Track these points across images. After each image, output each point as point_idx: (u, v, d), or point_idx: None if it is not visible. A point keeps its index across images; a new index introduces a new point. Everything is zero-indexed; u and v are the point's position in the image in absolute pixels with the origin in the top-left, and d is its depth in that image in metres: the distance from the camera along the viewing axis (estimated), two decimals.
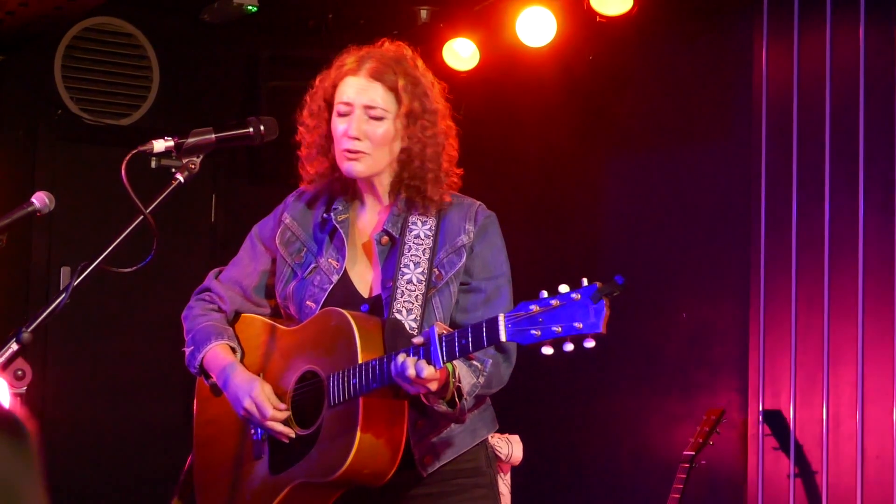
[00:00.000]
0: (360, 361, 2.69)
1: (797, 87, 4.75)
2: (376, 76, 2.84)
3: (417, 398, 2.69)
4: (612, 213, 5.57)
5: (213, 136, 2.72)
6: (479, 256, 2.88)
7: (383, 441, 2.70)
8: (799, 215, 4.71)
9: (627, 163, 5.53)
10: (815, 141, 4.67)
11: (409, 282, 2.81)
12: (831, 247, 4.61)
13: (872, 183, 4.51)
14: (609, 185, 5.60)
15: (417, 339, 2.60)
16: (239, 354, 2.97)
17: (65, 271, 5.70)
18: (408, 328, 2.76)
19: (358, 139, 2.83)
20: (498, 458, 3.66)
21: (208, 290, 3.05)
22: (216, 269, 3.10)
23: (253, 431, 2.92)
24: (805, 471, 4.60)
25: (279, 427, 2.81)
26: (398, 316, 2.78)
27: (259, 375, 2.91)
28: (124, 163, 2.57)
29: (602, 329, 2.39)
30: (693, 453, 4.42)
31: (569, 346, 2.42)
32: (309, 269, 2.92)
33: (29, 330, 2.46)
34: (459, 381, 2.66)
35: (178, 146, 2.68)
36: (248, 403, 2.83)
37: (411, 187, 2.88)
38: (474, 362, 2.71)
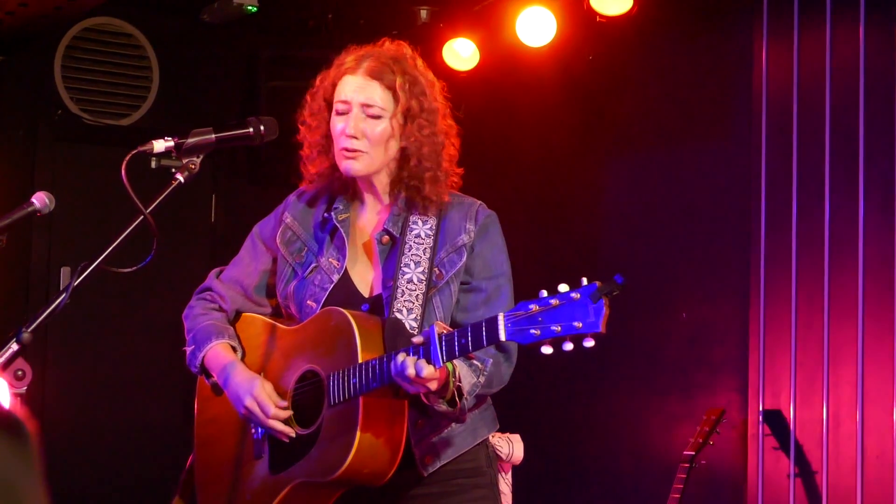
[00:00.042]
0: (360, 361, 2.69)
1: (797, 87, 4.75)
2: (374, 75, 2.85)
3: (418, 398, 2.69)
4: (612, 213, 5.57)
5: (213, 136, 2.72)
6: (480, 256, 2.88)
7: (383, 441, 2.70)
8: (799, 215, 4.71)
9: (627, 163, 5.53)
10: (815, 141, 4.67)
11: (410, 281, 2.81)
12: (831, 247, 4.61)
13: (872, 183, 4.51)
14: (609, 185, 5.60)
15: (417, 339, 2.60)
16: (240, 354, 2.97)
17: (65, 271, 5.70)
18: (408, 327, 2.76)
19: (355, 138, 2.83)
20: (499, 458, 3.66)
21: (209, 289, 3.06)
22: (217, 269, 3.10)
23: (253, 431, 2.92)
24: (805, 471, 4.60)
25: (280, 426, 2.81)
26: (398, 315, 2.78)
27: (259, 375, 2.91)
28: (124, 163, 2.57)
29: (601, 328, 2.39)
30: (693, 453, 4.42)
31: (568, 346, 2.42)
32: (310, 268, 2.92)
33: (29, 330, 2.46)
34: (459, 381, 2.66)
35: (178, 146, 2.68)
36: (249, 402, 2.83)
37: (410, 187, 2.88)
38: (475, 362, 2.71)
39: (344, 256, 2.90)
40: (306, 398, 2.82)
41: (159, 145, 2.66)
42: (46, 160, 5.76)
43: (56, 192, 2.72)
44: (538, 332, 2.43)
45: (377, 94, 2.84)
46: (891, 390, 4.41)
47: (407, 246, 2.85)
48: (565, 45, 5.35)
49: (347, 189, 2.97)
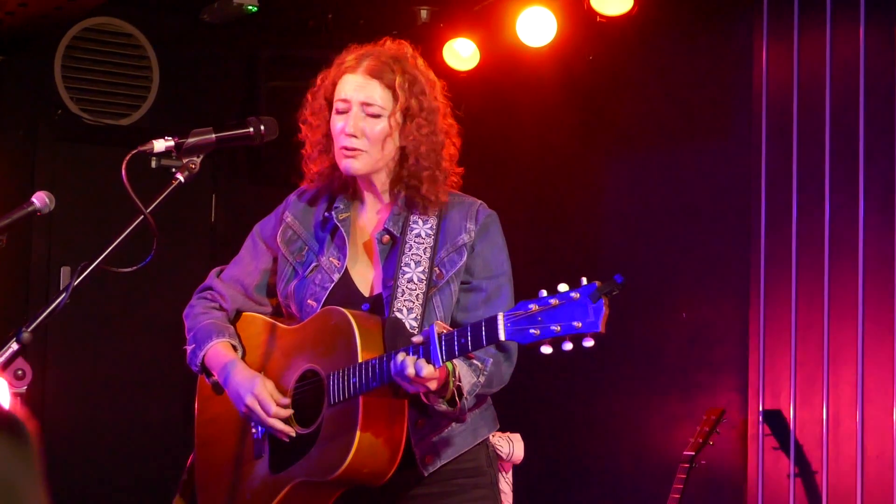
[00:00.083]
0: (359, 360, 2.69)
1: (797, 87, 4.74)
2: (374, 74, 2.85)
3: (418, 397, 2.69)
4: (612, 213, 5.56)
5: (214, 136, 2.72)
6: (480, 255, 2.88)
7: (383, 440, 2.70)
8: (799, 215, 4.71)
9: (627, 163, 5.53)
10: (815, 141, 4.67)
11: (410, 281, 2.81)
12: (831, 247, 4.61)
13: (872, 183, 4.51)
14: (609, 185, 5.60)
15: (417, 338, 2.60)
16: (240, 353, 2.97)
17: (65, 271, 5.69)
18: (408, 327, 2.76)
19: (355, 136, 2.83)
20: (499, 457, 3.66)
21: (210, 288, 3.06)
22: (218, 268, 3.10)
23: (253, 430, 2.92)
24: (805, 471, 4.60)
25: (280, 425, 2.81)
26: (399, 315, 2.78)
27: (260, 373, 2.91)
28: (124, 163, 2.57)
29: (601, 328, 2.39)
30: (693, 453, 4.42)
31: (568, 346, 2.42)
32: (310, 267, 2.92)
33: (29, 330, 2.46)
34: (459, 381, 2.66)
35: (178, 146, 2.68)
36: (249, 400, 2.83)
37: (410, 186, 2.88)
38: (475, 361, 2.71)
39: (344, 256, 2.90)
40: (306, 397, 2.82)
41: (159, 145, 2.66)
42: (46, 160, 5.76)
43: (56, 192, 2.72)
44: (538, 331, 2.43)
45: (377, 93, 2.84)
46: (891, 390, 4.41)
47: (407, 245, 2.85)
48: (565, 45, 5.35)
49: (348, 188, 2.97)
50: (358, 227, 2.95)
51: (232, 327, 3.01)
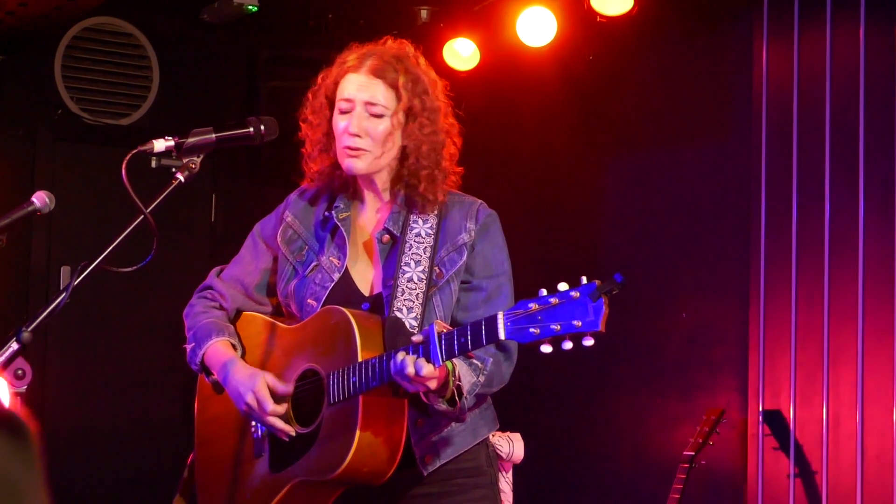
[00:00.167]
0: (359, 360, 2.69)
1: (797, 87, 4.75)
2: (377, 73, 2.84)
3: (417, 397, 2.69)
4: (612, 213, 5.57)
5: (214, 135, 2.72)
6: (481, 255, 2.88)
7: (383, 440, 2.70)
8: (799, 215, 4.71)
9: (627, 163, 5.53)
10: (815, 141, 4.67)
11: (410, 280, 2.81)
12: (831, 247, 4.61)
13: (872, 183, 4.51)
14: (609, 184, 5.60)
15: (417, 338, 2.60)
16: (240, 352, 2.97)
17: (65, 271, 5.70)
18: (408, 326, 2.76)
19: (358, 136, 2.83)
20: (499, 457, 3.66)
21: (210, 287, 3.06)
22: (218, 268, 3.10)
23: (253, 430, 2.92)
24: (805, 471, 4.60)
25: (280, 423, 2.81)
26: (399, 314, 2.78)
27: (260, 370, 2.91)
28: (124, 163, 2.57)
29: (601, 327, 2.38)
30: (693, 453, 4.42)
31: (568, 345, 2.42)
32: (310, 267, 2.92)
33: (29, 330, 2.46)
34: (459, 380, 2.66)
35: (178, 146, 2.68)
36: (249, 398, 2.83)
37: (409, 185, 2.88)
38: (474, 361, 2.71)
39: (345, 255, 2.90)
40: (306, 397, 2.82)
41: (159, 145, 2.66)
42: (46, 160, 5.76)
43: (56, 192, 2.71)
44: (537, 330, 2.43)
45: (380, 93, 2.84)
46: (891, 390, 4.41)
47: (407, 245, 2.85)
48: (565, 45, 5.35)
49: (348, 187, 2.97)
50: (358, 227, 2.95)
51: (232, 326, 3.01)
